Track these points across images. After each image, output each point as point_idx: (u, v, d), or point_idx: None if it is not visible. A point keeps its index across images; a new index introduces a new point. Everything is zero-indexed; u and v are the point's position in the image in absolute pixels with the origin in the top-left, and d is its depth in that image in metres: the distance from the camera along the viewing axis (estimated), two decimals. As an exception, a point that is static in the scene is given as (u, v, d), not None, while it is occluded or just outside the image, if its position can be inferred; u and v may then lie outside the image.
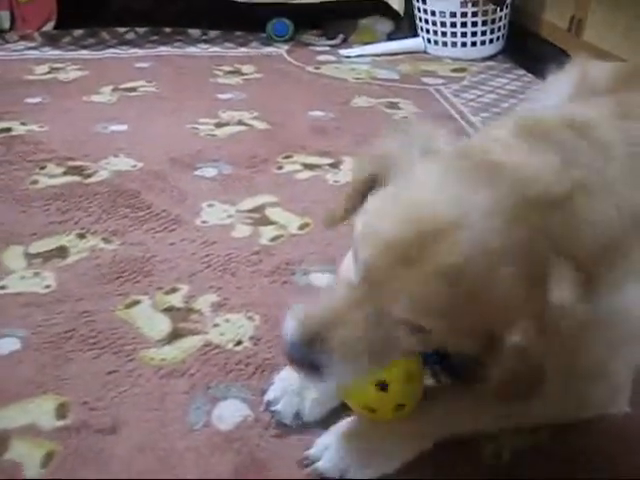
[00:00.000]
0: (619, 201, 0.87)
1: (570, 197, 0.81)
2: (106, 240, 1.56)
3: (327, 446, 1.01)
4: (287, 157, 2.03)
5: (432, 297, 0.80)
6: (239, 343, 1.25)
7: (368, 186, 0.93)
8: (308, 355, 0.86)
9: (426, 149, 0.88)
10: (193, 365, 1.19)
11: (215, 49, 3.22)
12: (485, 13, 3.10)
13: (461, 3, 3.07)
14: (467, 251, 0.78)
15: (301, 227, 1.65)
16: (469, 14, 3.11)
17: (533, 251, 0.79)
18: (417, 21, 3.31)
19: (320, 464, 0.99)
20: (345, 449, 1.00)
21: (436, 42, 3.24)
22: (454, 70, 3.07)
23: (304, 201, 1.76)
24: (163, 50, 3.15)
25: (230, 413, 1.10)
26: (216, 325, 1.30)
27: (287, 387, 1.08)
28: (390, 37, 3.40)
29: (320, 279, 1.43)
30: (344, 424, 1.03)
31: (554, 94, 1.51)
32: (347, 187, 0.96)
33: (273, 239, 1.59)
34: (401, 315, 0.83)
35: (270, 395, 1.10)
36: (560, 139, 0.88)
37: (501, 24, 3.19)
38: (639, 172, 0.92)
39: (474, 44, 3.20)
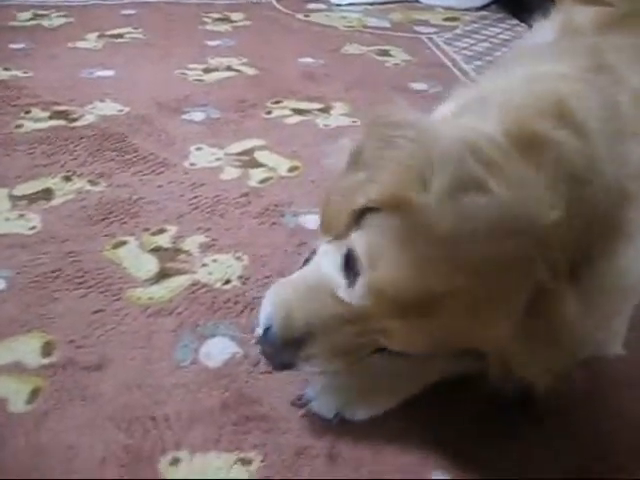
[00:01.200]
0: (607, 182, 0.87)
1: (566, 218, 0.81)
2: (92, 182, 1.53)
3: (322, 386, 1.00)
4: (276, 102, 2.00)
5: (427, 344, 0.85)
6: (227, 282, 1.24)
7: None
8: (286, 355, 0.89)
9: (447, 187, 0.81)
10: (181, 304, 1.18)
11: (203, -3, 3.16)
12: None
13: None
14: (474, 311, 0.80)
15: (290, 170, 1.62)
16: (462, -39, 3.06)
17: (534, 287, 0.81)
18: (409, -31, 3.24)
19: (315, 404, 0.98)
20: (340, 389, 1.00)
21: (428, -9, 3.19)
22: (447, 19, 3.02)
23: (293, 145, 1.74)
24: (150, -3, 3.08)
25: (218, 350, 1.09)
26: (204, 265, 1.28)
27: None
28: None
29: (309, 221, 1.41)
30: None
31: (538, 41, 1.49)
32: (350, 203, 0.88)
33: (262, 181, 1.57)
34: (391, 347, 0.87)
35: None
36: (550, 142, 0.85)
37: (495, -28, 3.13)
38: (617, 140, 0.92)
39: (467, -7, 3.15)
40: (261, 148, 1.72)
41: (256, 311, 1.11)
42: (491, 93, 0.97)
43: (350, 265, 0.85)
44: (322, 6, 3.11)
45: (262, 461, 0.91)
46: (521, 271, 0.80)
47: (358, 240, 0.85)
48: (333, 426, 0.96)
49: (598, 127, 0.90)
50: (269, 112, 1.93)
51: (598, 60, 1.02)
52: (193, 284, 1.23)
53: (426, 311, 0.79)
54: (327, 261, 0.91)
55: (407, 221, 0.80)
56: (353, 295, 0.84)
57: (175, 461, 0.91)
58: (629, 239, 0.91)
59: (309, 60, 2.38)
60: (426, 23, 2.93)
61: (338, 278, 0.87)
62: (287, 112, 1.94)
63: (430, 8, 3.15)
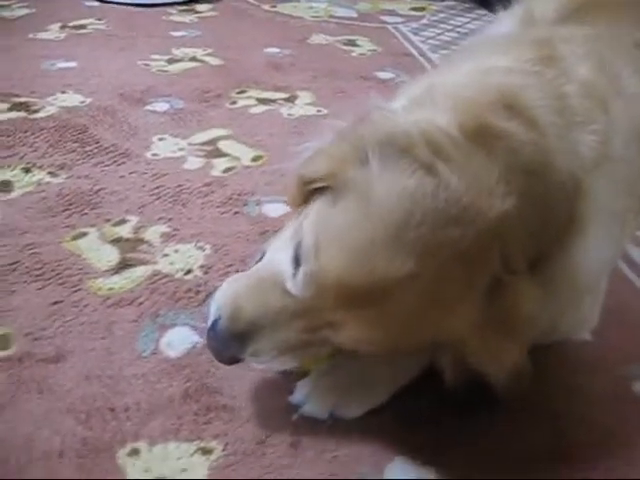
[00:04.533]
0: (560, 175, 0.87)
1: (520, 207, 0.79)
2: (52, 174, 1.51)
3: (311, 388, 0.98)
4: (241, 92, 1.99)
5: (378, 339, 0.81)
6: (189, 272, 1.22)
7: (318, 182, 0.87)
8: (233, 349, 0.86)
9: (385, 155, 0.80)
10: (142, 294, 1.16)
11: (168, -13, 3.13)
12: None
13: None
14: (422, 301, 0.77)
15: (254, 159, 1.61)
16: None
17: (489, 282, 0.80)
18: (375, -41, 3.24)
19: (306, 408, 0.97)
20: (330, 388, 0.98)
21: (395, -20, 3.19)
22: (414, 9, 3.03)
23: (258, 134, 1.73)
24: (114, -11, 3.04)
25: (179, 340, 1.07)
26: (166, 255, 1.26)
27: None
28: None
29: (272, 209, 1.40)
30: (321, 369, 1.01)
31: (498, 32, 1.49)
32: (298, 178, 0.89)
33: (225, 171, 1.56)
34: (341, 344, 0.84)
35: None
36: (501, 133, 0.84)
37: (461, -39, 3.13)
38: (567, 132, 0.91)
39: (434, -17, 3.15)
40: (225, 138, 1.71)
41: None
42: (439, 88, 0.96)
43: (298, 256, 0.83)
44: (289, -4, 3.11)
45: (223, 450, 0.90)
46: (474, 260, 0.78)
47: (306, 228, 0.83)
48: (328, 424, 0.95)
49: (548, 119, 0.90)
50: (234, 102, 1.92)
51: (547, 52, 1.01)
52: (154, 274, 1.21)
53: (374, 300, 0.77)
54: (280, 254, 0.88)
55: (347, 200, 0.79)
56: (296, 287, 0.82)
57: (134, 452, 0.89)
58: (583, 233, 0.91)
59: (275, 50, 2.37)
60: (393, 13, 2.94)
61: (288, 271, 0.84)
62: (252, 102, 1.92)
63: (397, -2, 3.15)
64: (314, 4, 3.00)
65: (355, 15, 2.87)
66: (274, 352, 0.86)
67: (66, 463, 0.87)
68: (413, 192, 0.76)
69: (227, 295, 0.88)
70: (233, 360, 0.89)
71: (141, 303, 1.14)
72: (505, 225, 0.78)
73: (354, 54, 2.39)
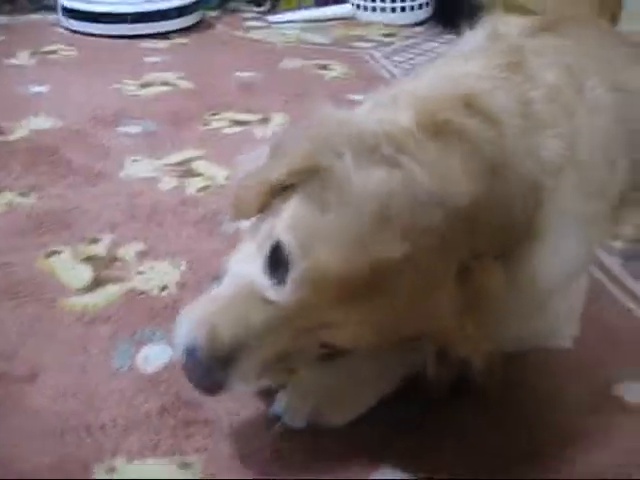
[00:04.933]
0: (521, 175, 0.88)
1: (484, 198, 0.81)
2: (23, 195, 1.50)
3: (289, 398, 0.96)
4: (214, 114, 1.99)
5: (373, 332, 0.82)
6: (164, 289, 1.21)
7: (282, 186, 0.85)
8: (215, 376, 0.81)
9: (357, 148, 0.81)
10: (117, 311, 1.15)
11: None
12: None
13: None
14: (409, 290, 0.78)
15: (229, 178, 1.60)
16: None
17: (461, 267, 0.81)
18: (345, -14, 3.28)
19: (286, 418, 0.94)
20: (309, 397, 0.96)
21: (365, 8, 3.21)
22: (385, 35, 3.05)
23: (231, 154, 1.71)
24: (85, 16, 3.04)
25: (156, 356, 1.06)
26: (140, 272, 1.25)
27: None
28: (317, 3, 3.36)
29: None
30: (300, 376, 0.98)
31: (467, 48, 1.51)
32: (256, 184, 0.88)
33: (200, 190, 1.56)
34: (336, 342, 0.84)
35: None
36: (460, 129, 0.85)
37: (430, -12, 3.18)
38: (530, 135, 0.93)
39: (403, 9, 3.18)
40: (198, 158, 1.71)
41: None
42: (402, 92, 0.97)
43: (277, 261, 0.80)
44: (261, 24, 3.12)
45: (203, 465, 0.88)
46: (447, 246, 0.79)
47: (283, 231, 0.81)
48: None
49: (510, 121, 0.91)
50: (206, 124, 1.92)
51: (515, 58, 1.02)
52: (129, 291, 1.20)
53: (368, 292, 0.77)
54: (247, 265, 0.85)
55: (327, 195, 0.79)
56: (286, 292, 0.79)
57: (111, 469, 0.87)
58: (545, 235, 0.91)
59: (247, 74, 2.38)
60: (364, 38, 2.96)
61: (263, 280, 0.81)
62: (225, 123, 1.93)
63: (368, 24, 3.18)
64: (286, 30, 3.02)
65: (327, 41, 2.89)
66: (263, 369, 0.83)
67: (41, 482, 0.85)
68: (387, 185, 0.78)
69: (196, 320, 0.83)
70: (218, 387, 0.82)
71: (116, 320, 1.13)
72: (470, 212, 0.79)
73: (327, 78, 2.40)
